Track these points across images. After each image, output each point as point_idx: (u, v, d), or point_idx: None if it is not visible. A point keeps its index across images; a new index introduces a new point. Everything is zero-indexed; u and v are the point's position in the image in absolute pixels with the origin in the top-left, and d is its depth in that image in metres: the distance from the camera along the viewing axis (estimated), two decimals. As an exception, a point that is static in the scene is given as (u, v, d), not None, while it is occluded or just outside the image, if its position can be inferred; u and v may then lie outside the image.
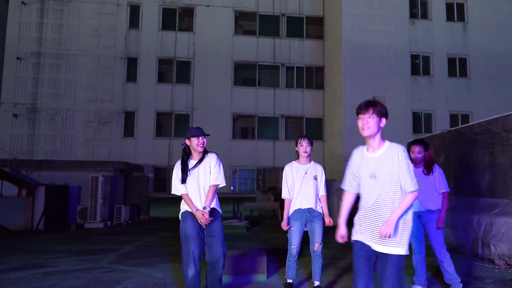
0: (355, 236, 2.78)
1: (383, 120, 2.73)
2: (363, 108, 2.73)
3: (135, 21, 18.64)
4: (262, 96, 19.12)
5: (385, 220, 2.62)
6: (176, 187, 3.80)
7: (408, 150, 4.49)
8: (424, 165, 4.40)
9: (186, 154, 3.85)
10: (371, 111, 2.70)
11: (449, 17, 18.11)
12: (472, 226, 6.58)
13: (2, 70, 17.91)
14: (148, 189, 16.30)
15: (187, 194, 3.78)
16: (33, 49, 17.73)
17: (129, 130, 18.00)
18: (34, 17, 17.95)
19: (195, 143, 3.76)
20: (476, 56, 17.87)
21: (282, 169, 5.01)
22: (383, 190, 2.66)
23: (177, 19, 19.04)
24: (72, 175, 13.56)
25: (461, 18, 18.21)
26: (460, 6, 18.25)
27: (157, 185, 17.86)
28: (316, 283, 4.42)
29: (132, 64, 18.33)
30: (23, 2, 17.85)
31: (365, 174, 2.76)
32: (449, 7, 18.17)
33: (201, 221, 3.69)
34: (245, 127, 19.79)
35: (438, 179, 4.36)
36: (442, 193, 4.36)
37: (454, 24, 18.08)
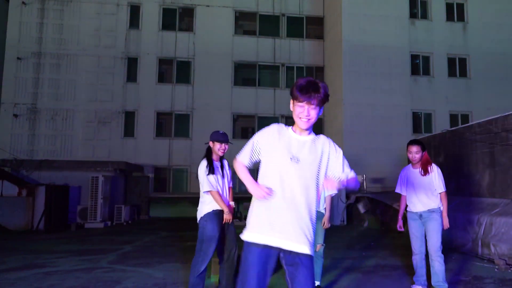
0: (253, 237, 2.25)
1: (321, 110, 2.34)
2: (305, 95, 2.25)
3: (135, 21, 18.63)
4: (262, 96, 19.11)
5: (306, 211, 2.24)
6: (211, 183, 3.97)
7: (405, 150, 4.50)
8: (421, 166, 4.38)
9: (209, 154, 4.11)
10: (315, 101, 2.25)
11: (449, 17, 18.11)
12: (472, 226, 6.58)
13: (2, 70, 17.91)
14: (148, 189, 16.30)
15: (218, 192, 4.00)
16: (33, 49, 17.73)
17: (129, 130, 17.99)
18: (34, 17, 17.94)
19: (217, 148, 4.05)
20: (476, 56, 17.86)
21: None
22: (305, 176, 2.26)
23: (177, 19, 19.04)
24: (72, 175, 13.57)
25: (461, 18, 18.20)
26: (460, 6, 18.25)
27: (157, 185, 17.83)
28: (317, 283, 4.42)
29: (132, 64, 18.33)
30: (23, 2, 17.85)
31: (284, 155, 2.29)
32: (449, 7, 18.16)
33: (226, 217, 4.06)
34: (245, 127, 19.77)
35: (436, 179, 4.34)
36: (440, 193, 4.33)
37: (454, 24, 18.08)
